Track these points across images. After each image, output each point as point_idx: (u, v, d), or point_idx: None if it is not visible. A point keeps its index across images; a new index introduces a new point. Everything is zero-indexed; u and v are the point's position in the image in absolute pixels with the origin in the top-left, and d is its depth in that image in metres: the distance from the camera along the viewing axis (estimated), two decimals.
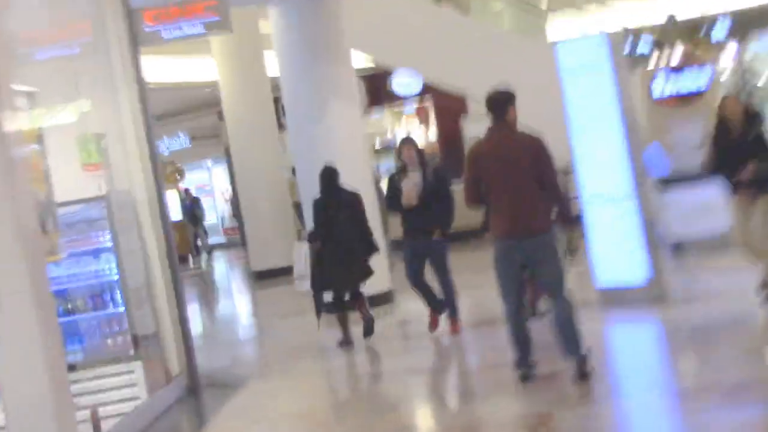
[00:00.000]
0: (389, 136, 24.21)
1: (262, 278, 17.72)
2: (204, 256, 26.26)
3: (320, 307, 10.37)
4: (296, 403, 8.55)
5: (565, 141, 10.07)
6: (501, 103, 7.44)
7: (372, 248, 10.38)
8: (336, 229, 10.08)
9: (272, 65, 15.89)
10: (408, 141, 10.24)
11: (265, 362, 10.84)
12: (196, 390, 9.17)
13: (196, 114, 26.52)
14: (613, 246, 9.84)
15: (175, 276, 9.27)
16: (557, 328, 7.37)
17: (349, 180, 11.76)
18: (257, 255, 18.21)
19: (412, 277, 9.98)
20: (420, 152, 9.97)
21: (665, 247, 9.99)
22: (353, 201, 10.22)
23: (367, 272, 10.32)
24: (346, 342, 10.30)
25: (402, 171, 9.93)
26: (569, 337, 7.34)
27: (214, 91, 19.55)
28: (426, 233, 9.77)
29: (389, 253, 13.82)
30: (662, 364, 7.98)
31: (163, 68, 20.25)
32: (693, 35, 17.96)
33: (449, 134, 21.75)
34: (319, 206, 10.25)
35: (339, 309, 10.40)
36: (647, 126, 12.58)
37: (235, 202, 23.76)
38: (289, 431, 7.65)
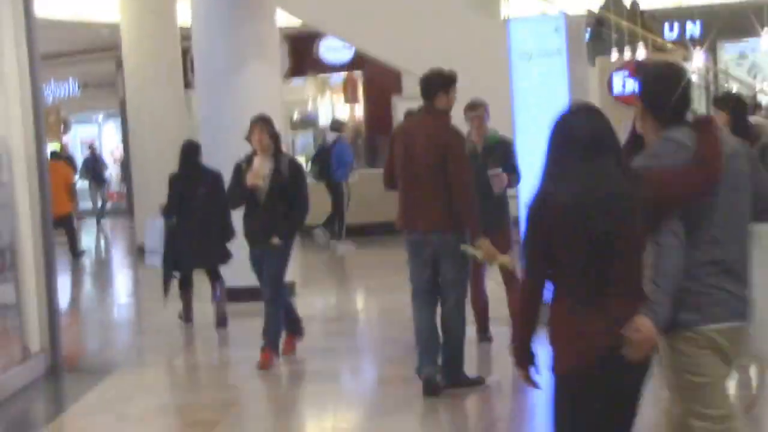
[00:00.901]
0: (310, 108, 24.23)
1: None
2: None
3: (168, 285, 11.07)
4: (165, 397, 8.67)
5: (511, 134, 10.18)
6: (431, 86, 7.72)
7: (228, 233, 10.57)
8: (192, 207, 10.62)
9: (184, 12, 15.80)
10: (261, 121, 8.97)
11: (139, 349, 10.85)
12: (57, 372, 9.12)
13: (89, 57, 26.10)
14: None
15: (47, 242, 9.20)
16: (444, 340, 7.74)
17: None
18: (145, 227, 18.05)
19: (263, 293, 9.12)
20: (275, 137, 9.00)
21: None
22: (214, 180, 10.52)
23: (224, 255, 10.79)
24: (186, 319, 11.23)
25: (251, 159, 8.97)
26: (454, 356, 7.76)
27: (113, 34, 19.33)
28: (266, 237, 8.87)
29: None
30: None
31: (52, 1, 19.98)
32: (646, 25, 18.10)
33: (377, 113, 21.85)
34: (175, 181, 10.85)
35: (184, 286, 11.25)
36: None
37: (126, 164, 23.58)
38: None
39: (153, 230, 11.52)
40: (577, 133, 4.09)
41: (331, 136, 17.89)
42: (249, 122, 8.92)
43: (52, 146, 21.49)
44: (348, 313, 12.69)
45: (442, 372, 7.75)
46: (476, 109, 9.19)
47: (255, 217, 8.87)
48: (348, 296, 14.14)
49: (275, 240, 8.80)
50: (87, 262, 19.13)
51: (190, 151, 10.94)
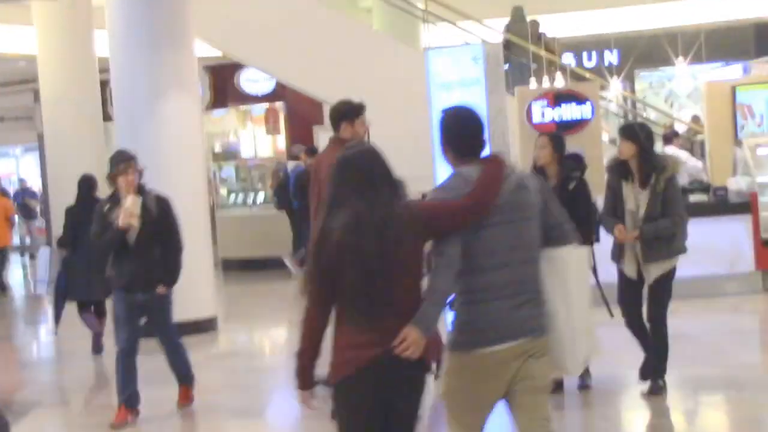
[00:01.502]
0: (232, 138, 24.04)
1: None
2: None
3: (59, 314, 11.82)
4: None
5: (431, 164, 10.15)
6: (335, 117, 7.85)
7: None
8: (84, 240, 10.58)
9: (102, 44, 15.59)
10: (132, 159, 8.32)
11: (56, 388, 10.63)
12: None
13: (6, 90, 25.70)
14: None
15: None
16: None
17: (180, 185, 11.69)
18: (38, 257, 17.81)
19: (128, 344, 8.36)
20: (141, 173, 8.33)
21: None
22: None
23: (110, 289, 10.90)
24: (95, 349, 11.62)
25: (113, 199, 8.31)
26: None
27: (30, 66, 19.03)
28: (146, 283, 8.26)
29: (215, 276, 13.71)
30: None
31: None
32: (548, 47, 18.14)
33: (300, 144, 21.72)
34: (71, 214, 11.30)
35: (82, 310, 11.67)
36: (522, 155, 12.78)
37: (45, 198, 23.22)
38: None
39: (42, 260, 12.01)
40: (354, 170, 4.53)
41: (290, 165, 17.88)
42: (111, 163, 8.26)
43: None
44: (272, 347, 12.53)
45: None
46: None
47: (129, 262, 8.20)
48: (272, 330, 13.96)
49: (161, 290, 8.29)
50: (9, 298, 18.83)
51: (85, 185, 11.35)
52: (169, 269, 8.34)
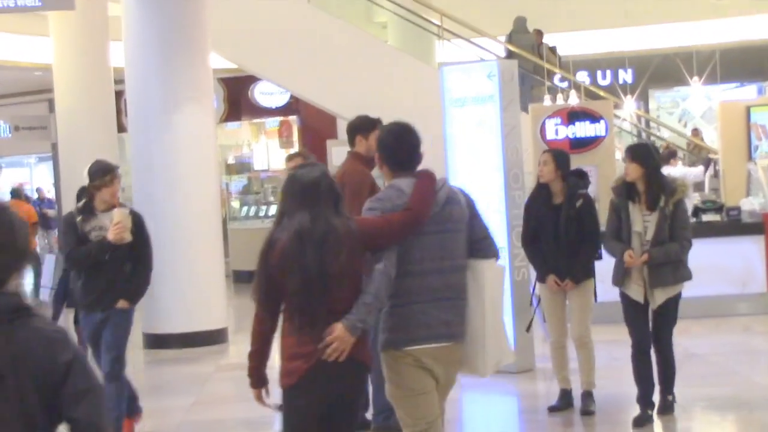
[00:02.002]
0: (246, 150, 24.12)
1: None
2: None
3: (57, 320, 11.39)
4: None
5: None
6: (350, 131, 7.93)
7: None
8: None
9: (116, 54, 15.66)
10: (112, 168, 7.82)
11: None
12: None
13: (21, 100, 25.78)
14: None
15: None
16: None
17: (193, 196, 11.73)
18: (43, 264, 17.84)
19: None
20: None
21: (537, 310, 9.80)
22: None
23: None
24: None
25: (86, 210, 7.72)
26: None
27: (45, 76, 19.10)
28: (110, 301, 7.62)
29: (226, 288, 13.72)
30: None
31: None
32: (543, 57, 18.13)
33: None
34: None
35: (78, 323, 11.51)
36: (535, 172, 12.74)
37: (58, 207, 23.28)
38: None
39: (47, 266, 12.07)
40: (301, 184, 4.84)
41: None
42: (93, 173, 7.73)
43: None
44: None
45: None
46: (293, 160, 8.39)
47: (98, 278, 7.62)
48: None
49: (122, 303, 7.63)
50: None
51: (81, 195, 11.12)
52: (136, 287, 7.78)
